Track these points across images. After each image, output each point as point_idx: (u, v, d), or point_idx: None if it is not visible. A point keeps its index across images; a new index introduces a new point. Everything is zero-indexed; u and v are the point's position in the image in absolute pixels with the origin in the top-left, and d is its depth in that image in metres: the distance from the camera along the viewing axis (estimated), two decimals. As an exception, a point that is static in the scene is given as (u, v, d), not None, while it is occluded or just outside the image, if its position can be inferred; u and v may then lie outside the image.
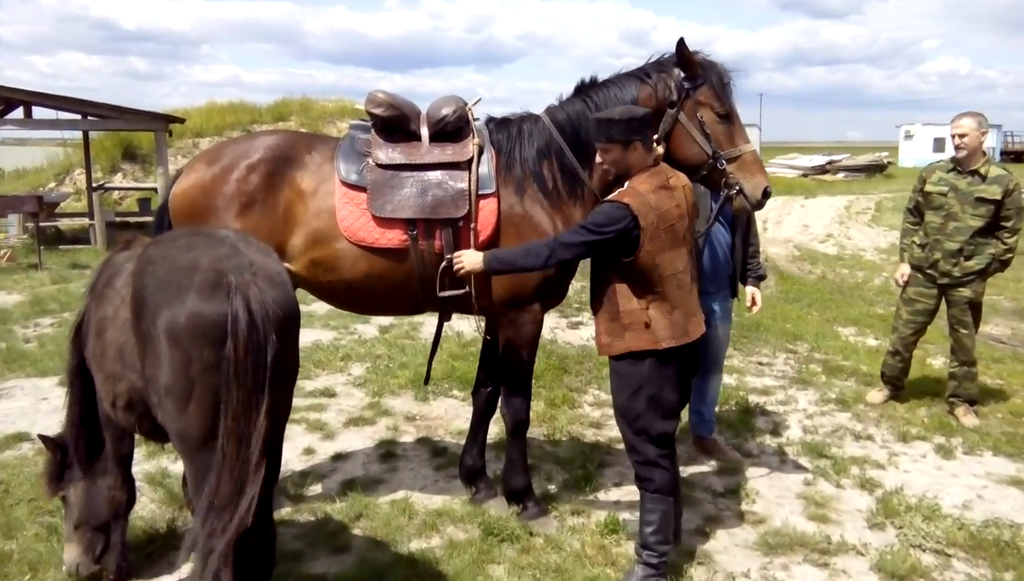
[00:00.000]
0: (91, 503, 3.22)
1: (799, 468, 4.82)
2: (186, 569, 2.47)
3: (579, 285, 7.29)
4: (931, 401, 6.08)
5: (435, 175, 3.76)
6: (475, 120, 3.94)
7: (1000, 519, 4.14)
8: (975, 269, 5.48)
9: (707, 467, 4.81)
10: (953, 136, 5.47)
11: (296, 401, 5.72)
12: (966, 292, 5.56)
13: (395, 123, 3.84)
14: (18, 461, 4.69)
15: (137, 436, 3.11)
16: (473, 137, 3.82)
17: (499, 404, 4.06)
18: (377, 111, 3.82)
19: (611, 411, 5.65)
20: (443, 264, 3.68)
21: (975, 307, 5.61)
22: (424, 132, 3.86)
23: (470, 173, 3.74)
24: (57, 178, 20.90)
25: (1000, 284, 11.26)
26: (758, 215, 4.85)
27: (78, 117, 14.46)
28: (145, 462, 4.62)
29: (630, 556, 3.64)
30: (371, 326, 7.98)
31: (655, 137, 3.63)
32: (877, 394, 6.09)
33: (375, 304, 4.05)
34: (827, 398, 6.16)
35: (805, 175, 34.34)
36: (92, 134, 18.08)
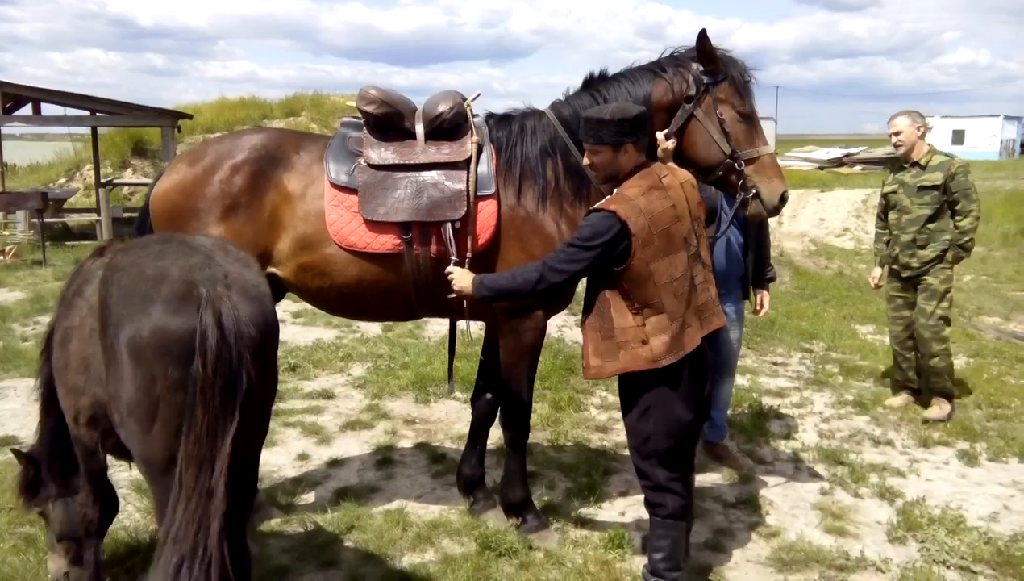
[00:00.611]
0: (70, 518, 3.05)
1: (815, 476, 4.60)
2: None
3: (584, 282, 7.09)
4: (954, 403, 5.82)
5: (431, 175, 3.54)
6: (474, 116, 3.72)
7: (1030, 533, 3.90)
8: (931, 257, 5.53)
9: (718, 475, 4.59)
10: (890, 135, 5.66)
11: (293, 403, 5.60)
12: (929, 280, 5.57)
13: (388, 121, 3.63)
14: (2, 467, 4.54)
15: None
16: (471, 135, 3.60)
17: (498, 413, 3.86)
18: (369, 109, 3.60)
19: (618, 414, 5.46)
20: (449, 267, 3.47)
21: (939, 296, 5.54)
22: (419, 130, 3.64)
23: (468, 173, 3.52)
24: (67, 174, 20.87)
25: (1022, 280, 10.97)
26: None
27: (86, 113, 14.39)
28: (132, 468, 4.45)
29: (635, 573, 3.44)
30: (374, 324, 7.79)
31: (666, 133, 3.42)
32: (897, 400, 5.84)
33: (368, 311, 3.86)
34: (844, 400, 5.93)
35: (821, 168, 33.86)
36: (102, 130, 18.04)
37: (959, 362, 6.97)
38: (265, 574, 3.40)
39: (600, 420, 5.43)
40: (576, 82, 3.76)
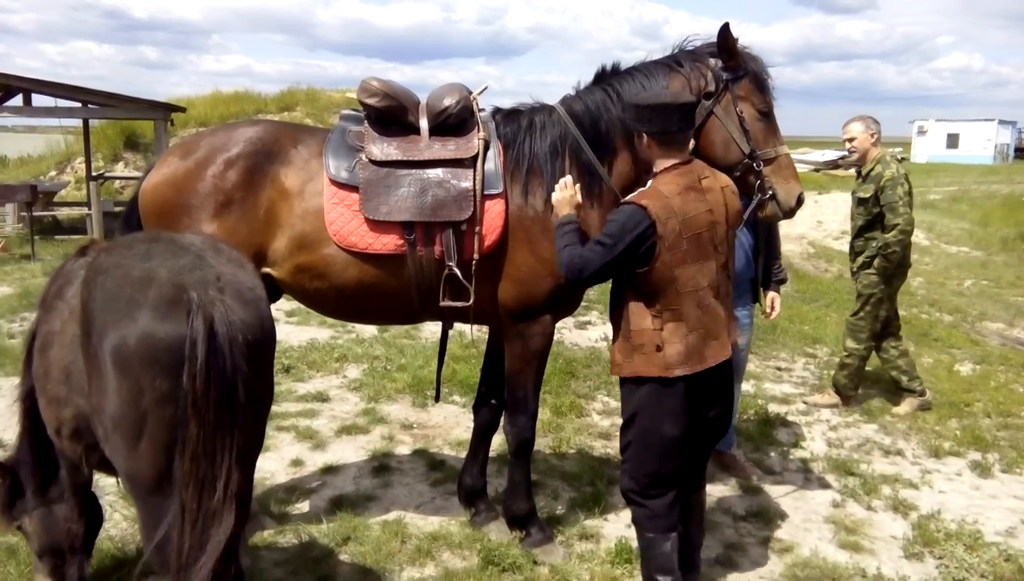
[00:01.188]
0: (50, 532, 2.88)
1: (826, 487, 4.47)
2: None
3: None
4: (962, 411, 5.71)
5: (436, 173, 3.37)
6: (480, 111, 3.55)
7: (1050, 550, 3.78)
8: (861, 263, 5.79)
9: (727, 486, 4.45)
10: (844, 141, 5.75)
11: (287, 406, 5.43)
12: (858, 286, 5.84)
13: (391, 114, 3.44)
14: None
15: None
16: (478, 130, 3.43)
17: (502, 421, 3.71)
18: (371, 101, 3.42)
19: (620, 421, 5.34)
20: (446, 272, 3.32)
21: (864, 299, 5.75)
22: (423, 125, 3.46)
23: (475, 171, 3.35)
24: (58, 166, 20.61)
25: (1021, 285, 10.89)
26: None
27: (77, 105, 14.16)
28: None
29: (644, 590, 3.29)
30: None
31: None
32: (904, 406, 5.75)
33: (367, 313, 3.69)
34: (851, 407, 5.79)
35: (817, 170, 33.83)
36: (94, 123, 17.78)
37: (965, 368, 6.87)
38: (257, 589, 3.25)
39: (603, 426, 5.29)
40: (573, 81, 3.62)
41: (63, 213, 14.94)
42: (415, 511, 4.03)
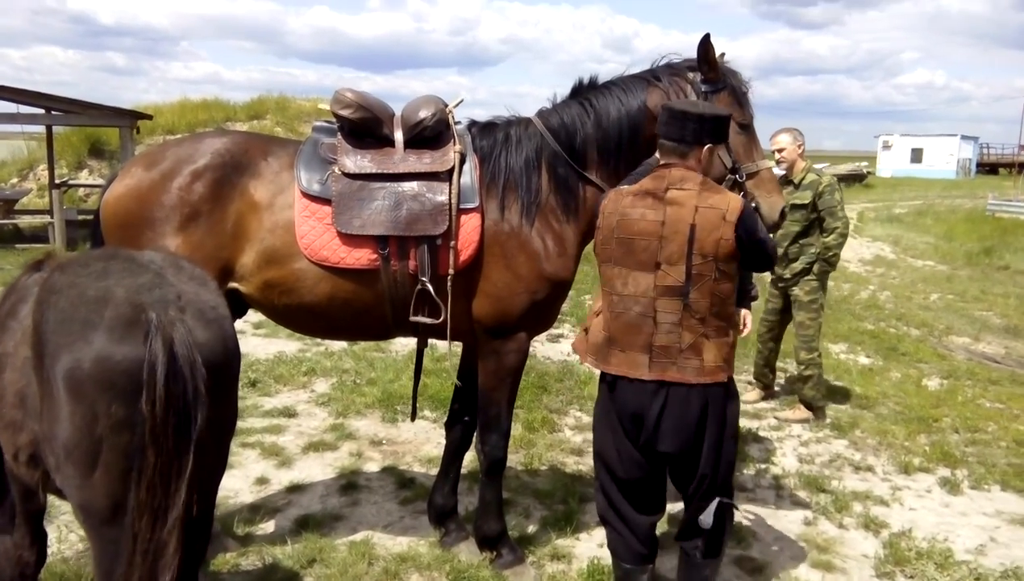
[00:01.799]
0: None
1: (798, 504, 4.45)
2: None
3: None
4: (931, 426, 5.75)
5: (411, 186, 3.29)
6: (456, 124, 3.48)
7: (1019, 567, 3.79)
8: (799, 269, 5.87)
9: (698, 503, 4.41)
10: (773, 151, 5.80)
11: (252, 422, 5.31)
12: (797, 291, 5.93)
13: (365, 126, 3.36)
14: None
15: None
16: (454, 143, 3.36)
17: (474, 439, 3.63)
18: (344, 112, 3.33)
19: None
20: (418, 287, 3.25)
21: (807, 307, 5.90)
22: (398, 137, 3.38)
23: (451, 184, 3.28)
24: (20, 174, 20.16)
25: (989, 300, 11.07)
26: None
27: (40, 111, 13.86)
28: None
29: (617, 612, 3.23)
30: (339, 337, 7.53)
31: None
32: (751, 393, 6.30)
33: (339, 330, 3.60)
34: (822, 423, 5.80)
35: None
36: (58, 129, 17.42)
37: (933, 383, 6.93)
38: (219, 615, 3.14)
39: (575, 442, 5.23)
40: (546, 92, 3.58)
41: (24, 221, 14.58)
42: (383, 531, 3.94)
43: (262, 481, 4.44)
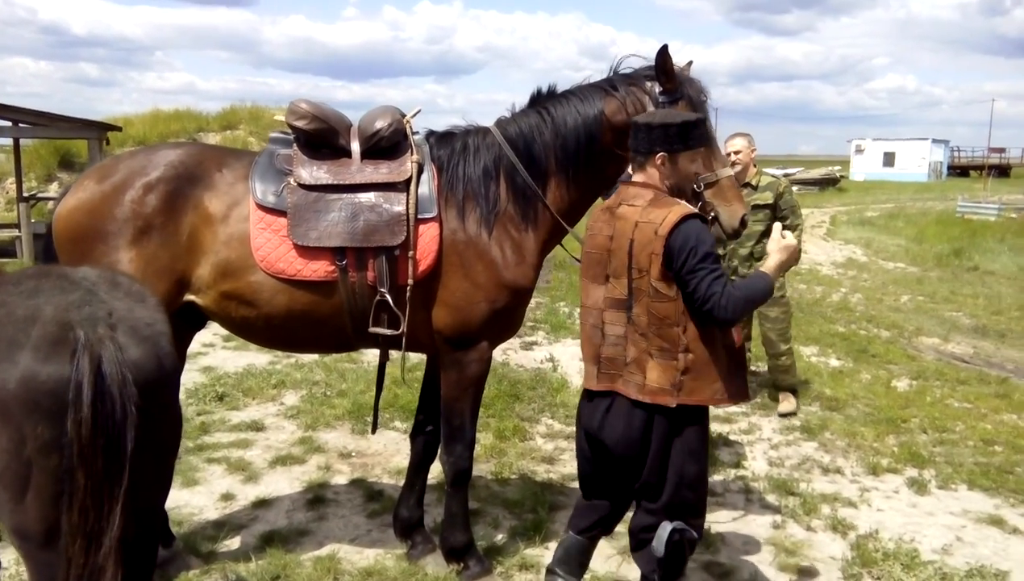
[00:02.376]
0: None
1: (767, 508, 4.46)
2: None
3: (533, 302, 6.88)
4: (899, 427, 5.79)
5: (368, 197, 3.26)
6: (414, 134, 3.46)
7: (984, 566, 3.80)
8: None
9: (668, 509, 4.41)
10: (728, 153, 5.88)
11: (219, 436, 5.24)
12: None
13: (321, 137, 3.34)
14: None
15: None
16: (411, 153, 3.34)
17: (439, 450, 3.60)
18: (299, 124, 3.30)
19: (565, 444, 5.27)
20: (377, 298, 3.22)
21: (776, 301, 6.09)
22: (355, 148, 3.36)
23: (408, 195, 3.26)
24: (-12, 187, 19.88)
25: (958, 301, 11.19)
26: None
27: (7, 124, 13.68)
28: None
29: (583, 622, 3.21)
30: (311, 348, 7.45)
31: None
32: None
33: (299, 342, 3.57)
34: (791, 425, 5.83)
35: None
36: (28, 142, 17.19)
37: (902, 384, 6.98)
38: (179, 635, 3.08)
39: (546, 450, 5.21)
40: (522, 100, 3.56)
41: (-8, 235, 14.37)
42: (350, 545, 3.89)
43: (227, 497, 4.37)
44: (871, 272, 13.94)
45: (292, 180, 3.27)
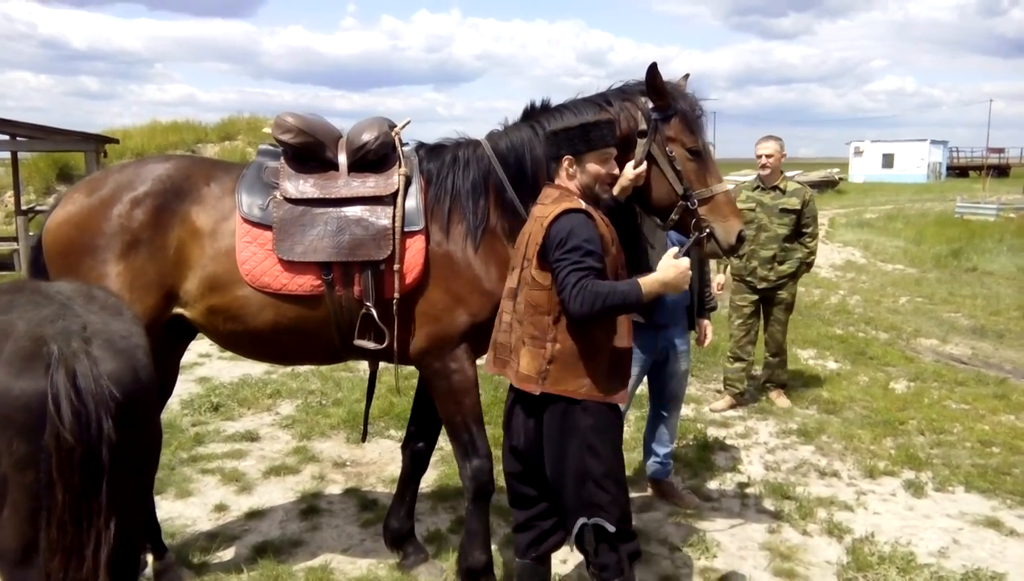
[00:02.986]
0: None
1: (762, 512, 4.44)
2: None
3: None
4: (897, 429, 5.77)
5: (354, 211, 3.23)
6: (403, 146, 3.41)
7: (980, 569, 3.79)
8: (788, 273, 6.17)
9: (662, 513, 4.39)
10: (759, 156, 6.06)
11: (214, 447, 5.23)
12: (783, 294, 6.27)
13: (308, 151, 3.31)
14: None
15: None
16: (399, 166, 3.30)
17: (459, 470, 3.49)
18: (285, 137, 3.28)
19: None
20: (363, 311, 3.19)
21: (789, 307, 6.37)
22: (342, 160, 3.32)
23: (395, 208, 3.22)
24: (-13, 201, 19.94)
25: (957, 302, 11.17)
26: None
27: (5, 138, 13.72)
28: None
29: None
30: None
31: (635, 162, 3.15)
32: (721, 402, 6.30)
33: (288, 355, 3.56)
34: (788, 429, 5.81)
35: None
36: (26, 155, 17.25)
37: (900, 386, 6.96)
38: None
39: (541, 457, 5.19)
40: (521, 106, 3.46)
41: (-10, 249, 14.40)
42: (343, 555, 3.88)
43: (221, 508, 4.36)
44: (870, 274, 13.91)
45: (278, 194, 3.25)
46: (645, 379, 4.55)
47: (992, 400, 6.52)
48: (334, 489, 4.66)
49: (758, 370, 6.82)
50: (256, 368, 7.09)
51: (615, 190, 3.17)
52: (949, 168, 55.20)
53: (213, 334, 3.35)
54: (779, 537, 4.14)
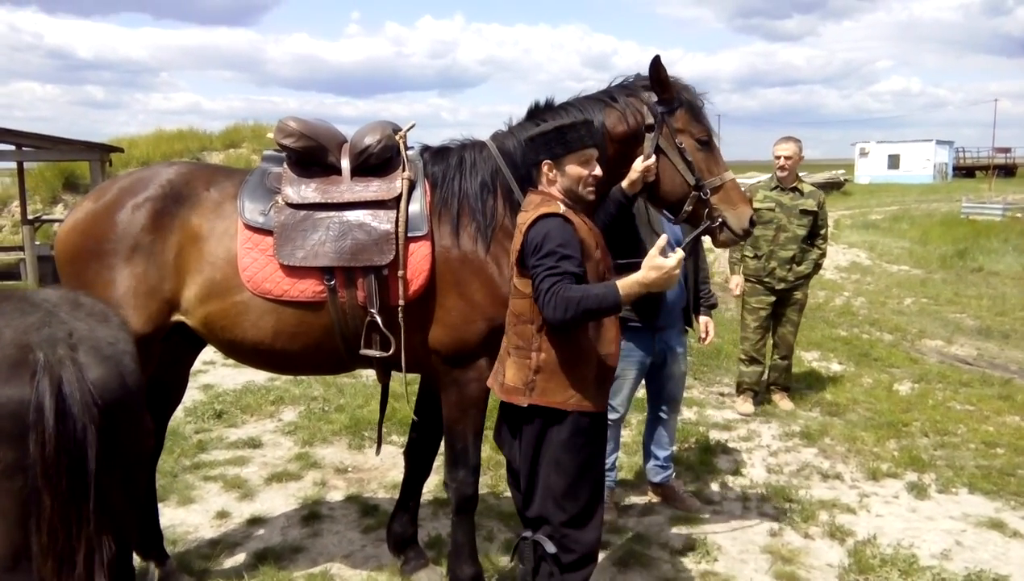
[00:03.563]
0: None
1: (764, 515, 4.43)
2: None
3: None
4: (900, 431, 5.75)
5: (356, 215, 3.20)
6: (408, 149, 3.39)
7: (983, 571, 3.77)
8: (804, 273, 6.24)
9: (664, 518, 4.39)
10: (778, 157, 6.08)
11: (216, 454, 5.25)
12: (798, 294, 6.32)
13: (310, 155, 3.29)
14: None
15: None
16: (403, 170, 3.27)
17: (444, 478, 3.50)
18: (286, 142, 3.27)
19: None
20: (368, 319, 3.16)
21: (803, 307, 6.45)
22: (345, 165, 3.30)
23: (398, 212, 3.19)
24: (-6, 210, 20.05)
25: (962, 302, 11.13)
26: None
27: (11, 148, 13.80)
28: None
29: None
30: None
31: (644, 156, 3.17)
32: (745, 404, 6.31)
33: (291, 364, 3.49)
34: (791, 432, 5.80)
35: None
36: (32, 165, 17.32)
37: (904, 388, 6.94)
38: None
39: (543, 462, 5.19)
40: (524, 112, 3.43)
41: (-3, 258, 14.50)
42: (343, 561, 3.88)
43: (223, 515, 4.37)
44: (875, 275, 13.88)
45: (280, 199, 3.24)
46: (643, 382, 4.54)
47: (997, 401, 6.49)
48: (336, 495, 4.67)
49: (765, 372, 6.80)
50: (260, 375, 7.09)
51: (624, 184, 3.20)
52: (955, 168, 54.98)
53: (215, 342, 3.34)
54: (780, 540, 4.13)
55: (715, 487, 4.83)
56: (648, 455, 4.62)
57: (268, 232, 3.19)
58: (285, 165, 3.35)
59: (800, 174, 6.40)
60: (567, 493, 2.69)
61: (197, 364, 7.18)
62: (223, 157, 22.56)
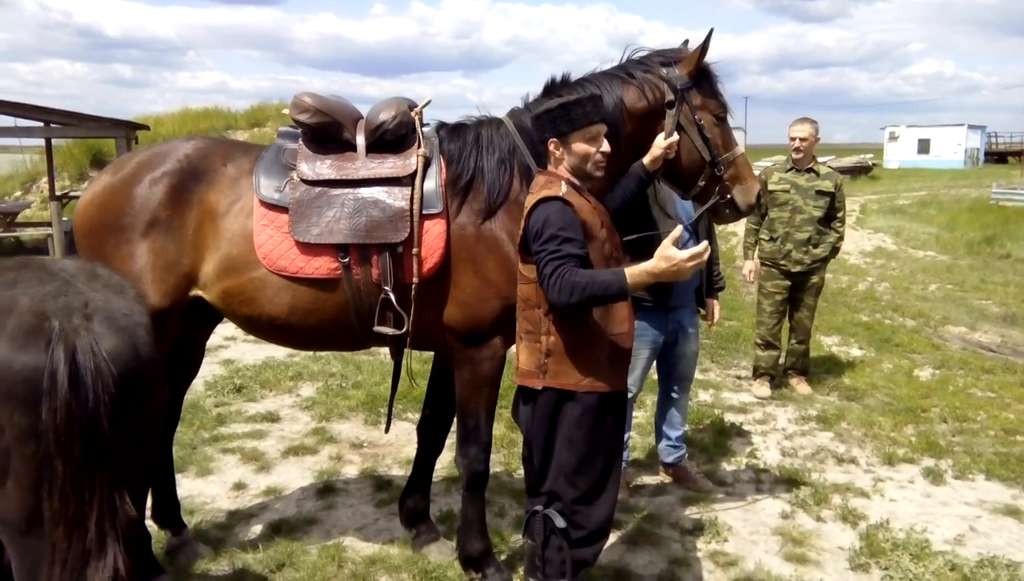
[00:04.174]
0: None
1: (776, 498, 4.42)
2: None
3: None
4: (919, 417, 5.70)
5: (370, 192, 3.19)
6: (424, 126, 3.38)
7: (996, 557, 3.74)
8: (821, 256, 6.14)
9: (675, 499, 4.40)
10: (794, 138, 6.04)
11: (235, 427, 5.33)
12: (815, 278, 6.22)
13: (325, 131, 3.28)
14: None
15: None
16: (418, 147, 3.26)
17: (455, 454, 3.52)
18: (302, 117, 3.26)
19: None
20: (382, 296, 3.16)
21: (819, 291, 6.36)
22: (360, 141, 3.29)
23: (412, 189, 3.18)
24: (23, 186, 20.38)
25: (988, 289, 10.97)
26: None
27: (39, 125, 13.97)
28: None
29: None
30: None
31: (666, 132, 3.17)
32: (762, 387, 6.25)
33: (307, 340, 3.52)
34: (808, 416, 5.77)
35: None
36: (61, 142, 17.55)
37: (925, 374, 6.87)
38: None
39: (556, 441, 5.21)
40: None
41: (26, 234, 14.71)
42: (356, 534, 3.94)
43: (240, 486, 4.45)
44: (900, 261, 13.70)
45: (295, 175, 3.23)
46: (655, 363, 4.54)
47: (1019, 388, 6.42)
48: (350, 470, 4.73)
49: (782, 357, 6.77)
50: (279, 351, 7.18)
51: (646, 160, 3.20)
52: (987, 153, 53.95)
53: (232, 317, 3.36)
54: (792, 522, 4.13)
55: (728, 468, 4.83)
56: (660, 435, 4.63)
57: (283, 209, 3.20)
58: (300, 141, 3.34)
59: (825, 159, 6.35)
60: (578, 470, 2.70)
61: (218, 339, 7.31)
62: (248, 136, 22.70)
